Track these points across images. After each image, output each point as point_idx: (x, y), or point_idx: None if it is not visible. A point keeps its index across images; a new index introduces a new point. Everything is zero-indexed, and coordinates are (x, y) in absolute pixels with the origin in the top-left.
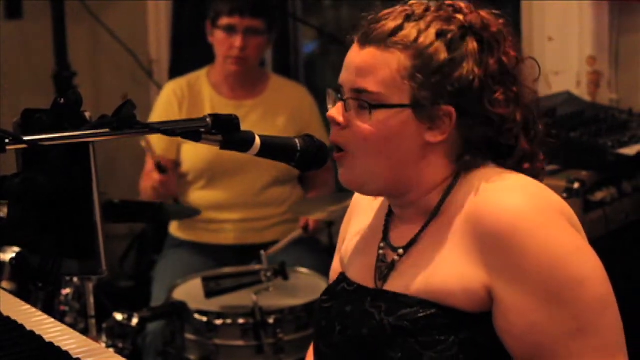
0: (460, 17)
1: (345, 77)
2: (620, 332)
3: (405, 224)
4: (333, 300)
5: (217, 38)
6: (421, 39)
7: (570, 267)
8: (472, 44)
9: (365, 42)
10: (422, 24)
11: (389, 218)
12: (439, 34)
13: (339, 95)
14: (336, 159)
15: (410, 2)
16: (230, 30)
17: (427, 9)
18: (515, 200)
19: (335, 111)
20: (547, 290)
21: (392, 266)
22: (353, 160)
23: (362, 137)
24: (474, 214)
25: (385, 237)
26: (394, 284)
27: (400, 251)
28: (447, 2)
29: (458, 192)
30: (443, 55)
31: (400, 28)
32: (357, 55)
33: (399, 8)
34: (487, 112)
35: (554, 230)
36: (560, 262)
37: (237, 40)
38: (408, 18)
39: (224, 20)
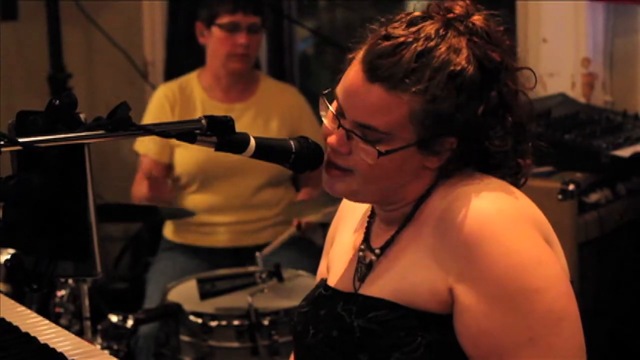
0: (461, 27)
1: (347, 105)
2: (575, 350)
3: (386, 226)
4: (310, 306)
5: (216, 37)
6: (433, 85)
7: (528, 277)
8: (477, 76)
9: (373, 78)
10: (435, 63)
11: (371, 220)
12: (450, 76)
13: (340, 123)
14: (334, 175)
15: (415, 14)
16: (233, 28)
17: (437, 33)
18: (484, 204)
19: (337, 140)
20: (502, 296)
21: (370, 266)
22: (352, 179)
23: (367, 169)
24: (444, 216)
25: (366, 239)
26: (369, 287)
27: (377, 251)
28: (450, 17)
29: (434, 195)
30: (453, 101)
31: (412, 71)
32: (363, 90)
33: (410, 36)
34: (484, 144)
35: (517, 238)
36: (518, 271)
37: (242, 38)
38: (420, 56)
39: (225, 19)
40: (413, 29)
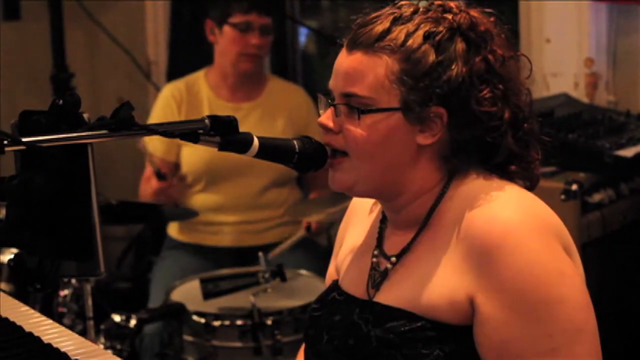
0: (449, 16)
1: (334, 82)
2: (595, 359)
3: (399, 231)
4: (323, 309)
5: (228, 36)
6: (409, 42)
7: (551, 288)
8: (460, 45)
9: (352, 47)
10: (410, 26)
11: (383, 225)
12: (427, 36)
13: (329, 100)
14: (334, 163)
15: (400, 2)
16: (246, 27)
17: (415, 11)
18: (507, 213)
19: (325, 117)
20: (524, 307)
21: (385, 274)
22: (349, 164)
23: (354, 141)
24: (466, 225)
25: (379, 245)
26: (385, 295)
27: (393, 259)
28: (436, 3)
29: (450, 201)
30: (431, 58)
31: (387, 31)
32: (345, 61)
33: (387, 11)
34: (475, 111)
35: (540, 248)
36: (541, 282)
37: (255, 38)
38: (395, 21)
39: (239, 18)
40: (394, 9)
